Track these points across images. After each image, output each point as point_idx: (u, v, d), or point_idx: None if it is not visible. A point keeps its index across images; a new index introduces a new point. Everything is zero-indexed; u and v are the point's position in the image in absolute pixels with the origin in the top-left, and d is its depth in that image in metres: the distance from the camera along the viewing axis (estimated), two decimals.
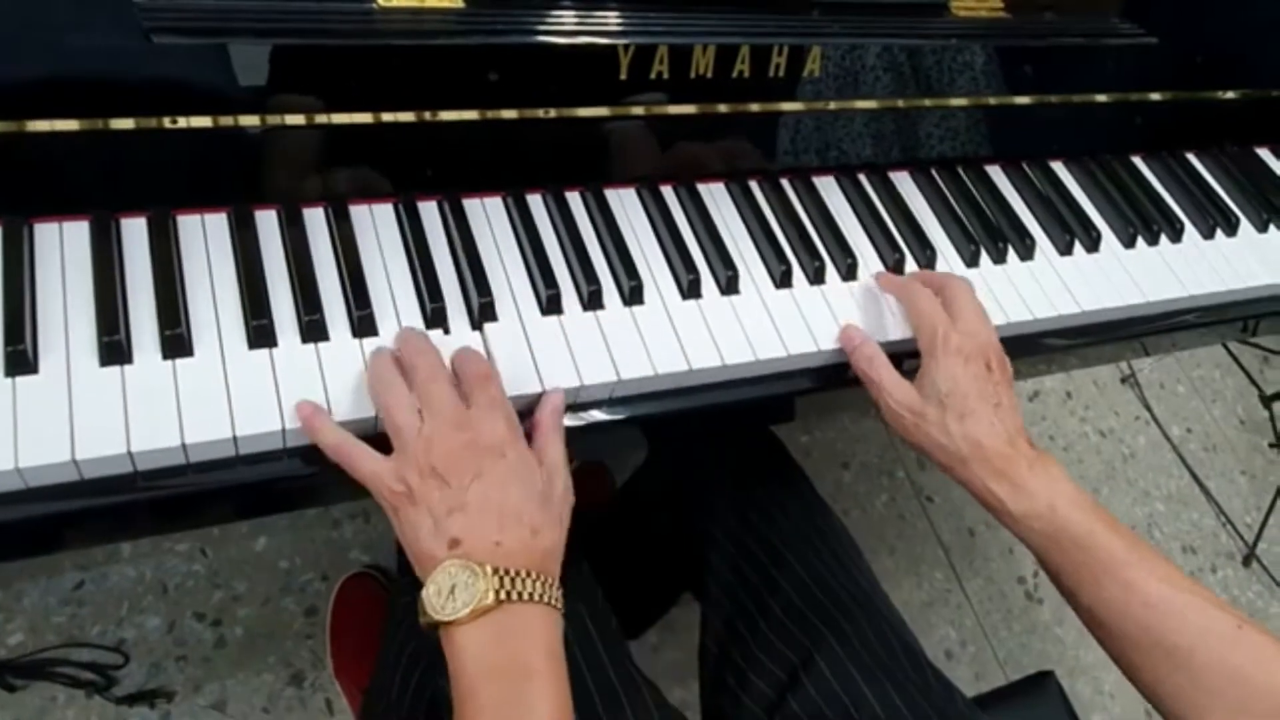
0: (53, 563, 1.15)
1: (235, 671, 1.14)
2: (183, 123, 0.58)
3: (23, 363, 0.52)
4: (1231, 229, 0.88)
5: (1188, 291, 0.81)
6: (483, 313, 0.62)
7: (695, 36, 0.68)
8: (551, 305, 0.64)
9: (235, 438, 0.53)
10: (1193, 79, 0.91)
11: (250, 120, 0.59)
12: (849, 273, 0.73)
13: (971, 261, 0.77)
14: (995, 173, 0.85)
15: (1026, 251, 0.79)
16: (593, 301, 0.65)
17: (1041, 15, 0.83)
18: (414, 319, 0.61)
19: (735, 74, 0.70)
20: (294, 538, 1.24)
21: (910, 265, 0.76)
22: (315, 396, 0.56)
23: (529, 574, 0.51)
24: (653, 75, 0.68)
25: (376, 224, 0.65)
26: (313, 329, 0.58)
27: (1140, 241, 0.84)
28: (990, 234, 0.79)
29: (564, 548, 0.55)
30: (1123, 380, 1.84)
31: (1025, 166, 0.87)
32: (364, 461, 0.53)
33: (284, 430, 0.54)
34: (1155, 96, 0.90)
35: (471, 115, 0.65)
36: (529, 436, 0.56)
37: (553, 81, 0.66)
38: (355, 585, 1.20)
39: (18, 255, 0.56)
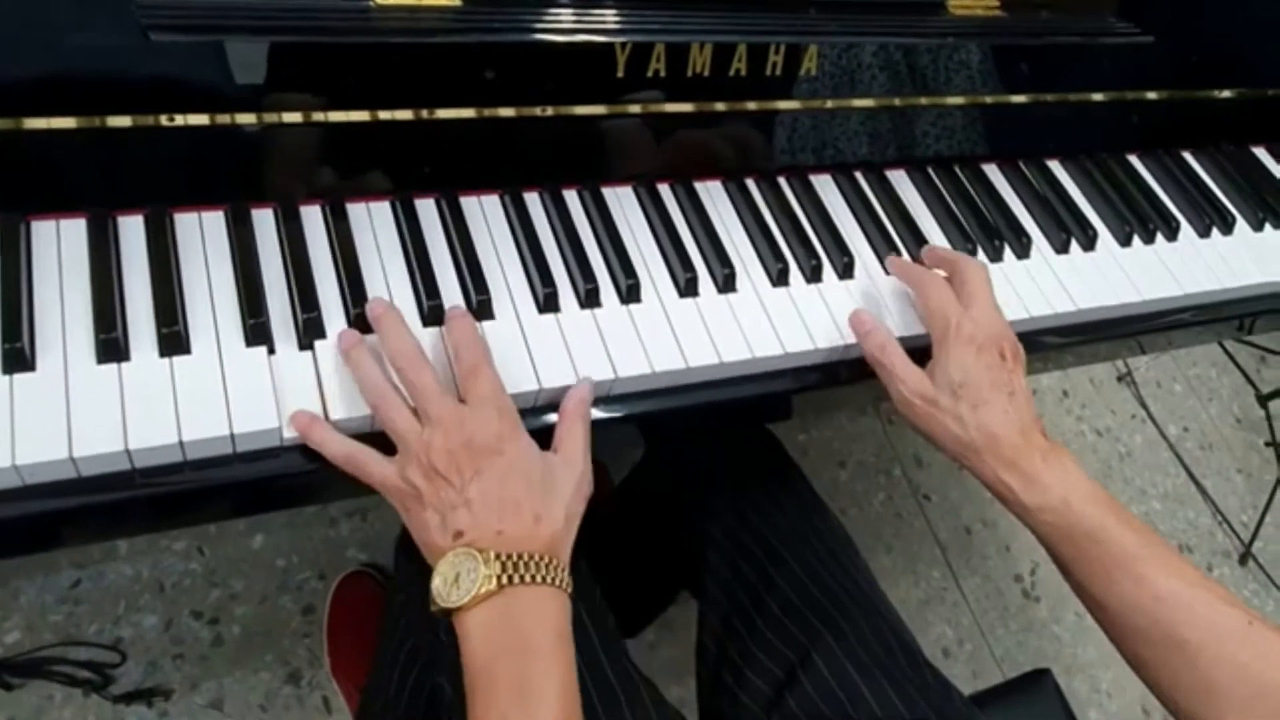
0: (50, 561, 1.15)
1: (232, 670, 1.14)
2: (180, 120, 0.58)
3: (20, 360, 0.52)
4: (1227, 228, 0.88)
5: (1184, 290, 0.81)
6: (480, 310, 0.62)
7: (692, 35, 0.68)
8: (549, 303, 0.64)
9: (232, 435, 0.53)
10: (1189, 78, 0.92)
11: (247, 118, 0.60)
12: (846, 271, 0.73)
13: None
14: (992, 171, 0.85)
15: (1023, 250, 0.79)
16: (590, 300, 0.65)
17: (1038, 14, 0.83)
18: (411, 316, 0.61)
19: (732, 72, 0.71)
20: (291, 536, 1.24)
21: None
22: (312, 395, 0.56)
23: (532, 558, 0.52)
24: (650, 73, 0.68)
25: (374, 222, 0.65)
26: (310, 327, 0.58)
27: (1136, 240, 0.84)
28: (987, 232, 0.79)
29: (575, 533, 0.57)
30: (1119, 379, 1.84)
31: (1022, 165, 0.87)
32: (372, 467, 0.55)
33: (281, 428, 0.54)
34: (1151, 95, 0.90)
35: (469, 113, 0.65)
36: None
37: (550, 80, 0.66)
38: (352, 584, 1.20)
39: (15, 253, 0.56)
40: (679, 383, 0.65)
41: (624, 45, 0.66)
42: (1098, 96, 0.87)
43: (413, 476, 0.53)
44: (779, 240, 0.73)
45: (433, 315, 0.61)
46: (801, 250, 0.73)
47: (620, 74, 0.67)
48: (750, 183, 0.76)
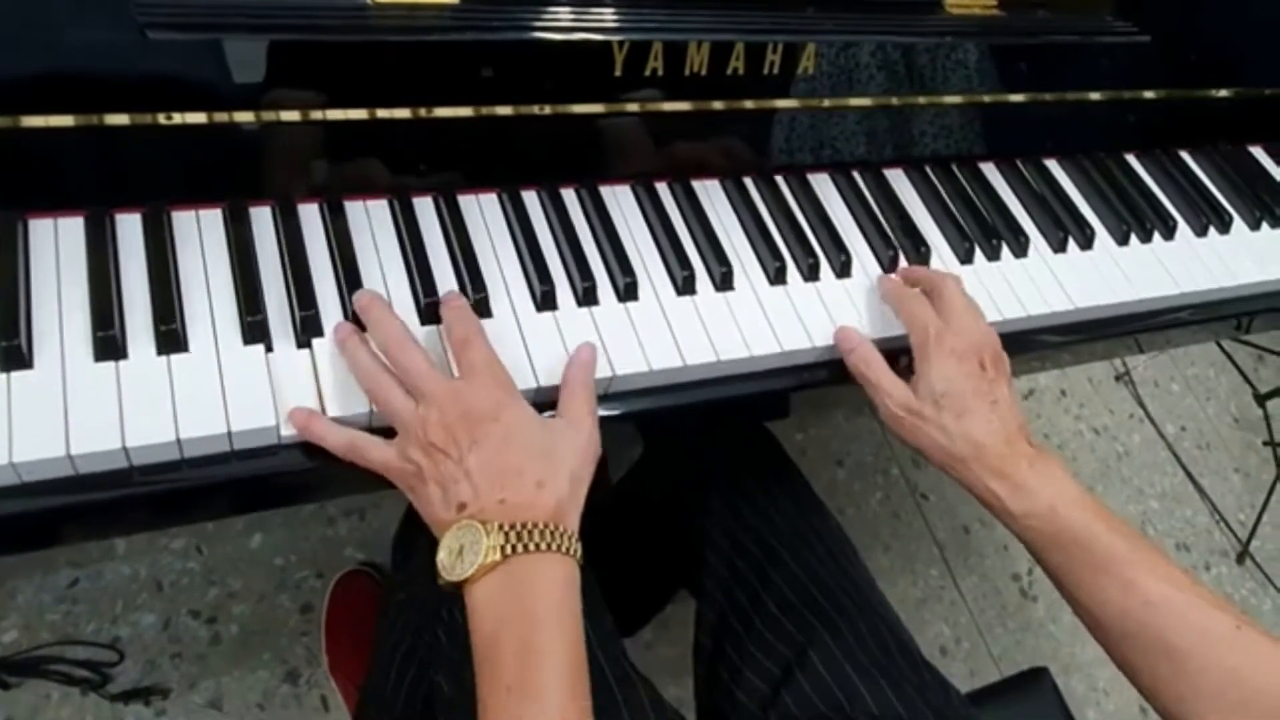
0: (47, 560, 1.15)
1: (230, 669, 1.14)
2: (178, 118, 0.58)
3: (17, 358, 0.52)
4: (1225, 227, 0.88)
5: (1181, 289, 0.81)
6: (477, 308, 0.62)
7: (690, 33, 0.68)
8: (546, 301, 0.64)
9: (230, 433, 0.53)
10: (1186, 77, 0.92)
11: (245, 116, 0.60)
12: (843, 270, 0.73)
13: (966, 259, 0.77)
14: (990, 170, 0.86)
15: (1021, 249, 0.79)
16: (587, 298, 0.65)
17: (1035, 13, 0.83)
18: (409, 314, 0.61)
19: (730, 71, 0.71)
20: (289, 535, 1.24)
21: (904, 263, 0.76)
22: (310, 392, 0.56)
23: (536, 525, 0.52)
24: (647, 72, 0.68)
25: (371, 220, 0.65)
26: (307, 324, 0.58)
27: (1134, 239, 0.84)
28: (984, 231, 0.79)
29: (583, 497, 0.57)
30: (1117, 378, 1.84)
31: (1019, 164, 0.87)
32: (372, 451, 0.55)
33: (279, 425, 0.55)
34: (1149, 95, 0.90)
35: (466, 112, 0.65)
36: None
37: (547, 78, 0.66)
38: (350, 582, 1.20)
39: (12, 250, 0.56)
40: (676, 381, 0.65)
41: (621, 44, 0.66)
42: (1095, 96, 0.87)
43: (412, 454, 0.54)
44: (776, 239, 0.73)
45: (430, 313, 0.62)
46: (799, 249, 0.73)
47: (618, 73, 0.67)
48: (748, 181, 0.76)
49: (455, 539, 0.52)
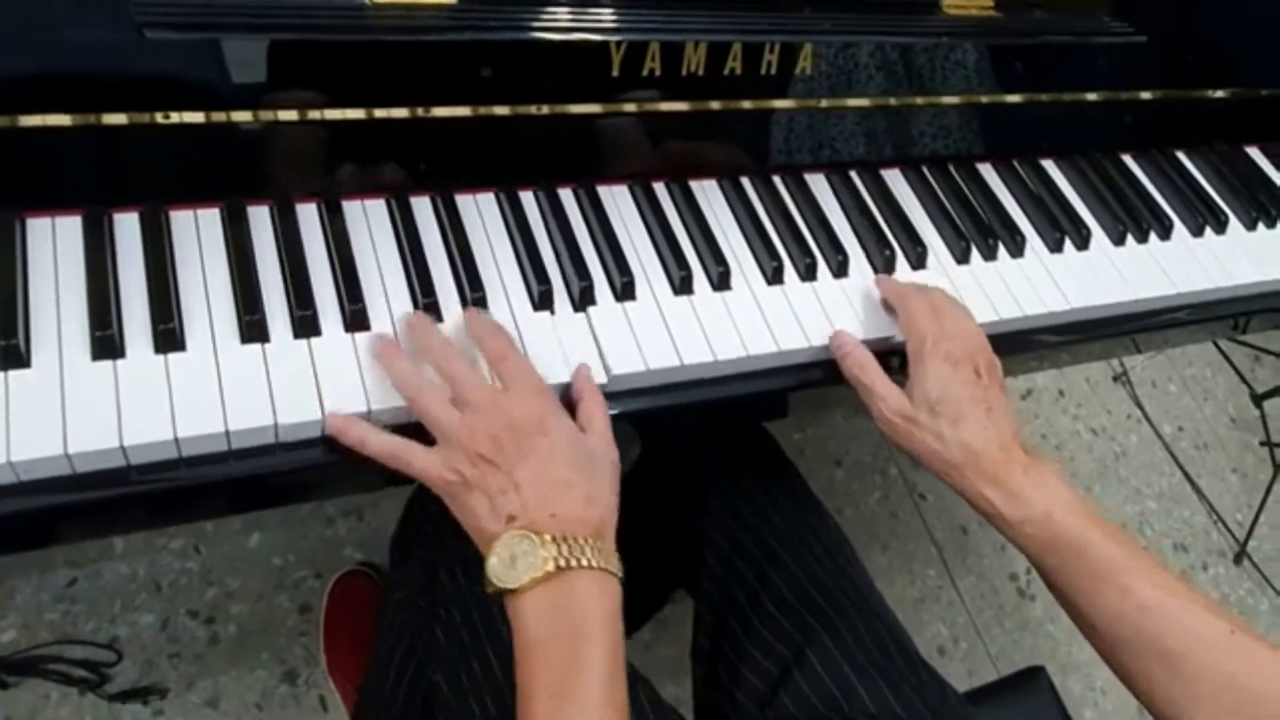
0: (45, 560, 1.15)
1: (229, 669, 1.14)
2: (175, 118, 0.58)
3: (15, 357, 0.52)
4: (1221, 227, 0.88)
5: (1177, 289, 0.82)
6: (476, 308, 0.62)
7: (687, 34, 0.68)
8: (544, 301, 0.64)
9: (228, 432, 0.53)
10: (1183, 78, 0.92)
11: (243, 116, 0.60)
12: (840, 269, 0.73)
13: (962, 259, 0.78)
14: (986, 170, 0.86)
15: (1017, 249, 0.80)
16: (585, 297, 0.65)
17: (1032, 14, 0.83)
18: (407, 314, 0.61)
19: (727, 71, 0.71)
20: (288, 535, 1.24)
21: (901, 262, 0.76)
22: (308, 391, 0.56)
23: (586, 541, 0.53)
24: (645, 72, 0.68)
25: (369, 219, 0.65)
26: (305, 324, 0.58)
27: (1130, 239, 0.84)
28: (981, 231, 0.79)
29: (616, 514, 0.57)
30: (1114, 379, 1.84)
31: (1016, 164, 0.87)
32: (416, 458, 0.55)
33: (276, 425, 0.55)
34: (1145, 95, 0.90)
35: (464, 111, 0.65)
36: (571, 408, 0.59)
37: (545, 78, 0.66)
38: (349, 582, 1.20)
39: (10, 249, 0.56)
40: (674, 380, 0.65)
41: (619, 44, 0.66)
42: (1092, 96, 0.88)
43: (457, 464, 0.54)
44: (774, 239, 0.73)
45: (429, 313, 0.61)
46: (796, 249, 0.73)
47: (615, 73, 0.67)
48: (745, 181, 0.76)
49: (508, 548, 0.52)
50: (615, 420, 0.64)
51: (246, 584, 1.20)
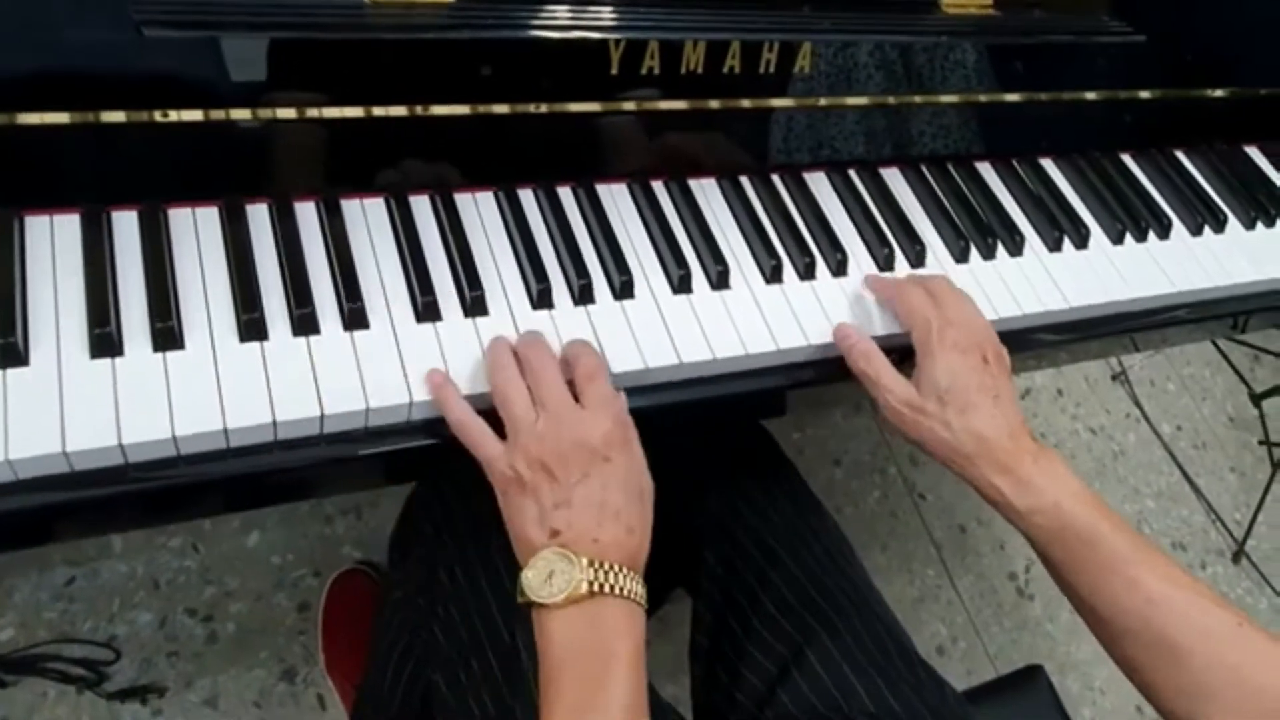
0: (44, 558, 1.15)
1: (227, 667, 1.14)
2: (174, 116, 0.58)
3: (13, 355, 0.52)
4: (1219, 226, 0.88)
5: (1176, 288, 0.82)
6: (474, 306, 0.63)
7: (686, 32, 0.68)
8: (542, 299, 0.64)
9: (226, 430, 0.53)
10: (1182, 77, 0.92)
11: (241, 114, 0.60)
12: (839, 268, 0.73)
13: (961, 257, 0.78)
14: (985, 170, 0.86)
15: (1016, 248, 0.80)
16: (583, 296, 0.65)
17: (1031, 13, 0.83)
18: (405, 313, 0.61)
19: (726, 70, 0.71)
20: (286, 533, 1.24)
21: (900, 260, 0.76)
22: (306, 389, 0.56)
23: (622, 569, 0.54)
24: (644, 71, 0.68)
25: (368, 218, 0.65)
26: (304, 322, 0.58)
27: (1129, 238, 0.84)
28: (980, 230, 0.79)
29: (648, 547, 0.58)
30: (1113, 378, 1.85)
31: (1015, 164, 0.87)
32: (483, 443, 0.56)
33: (274, 423, 0.55)
34: (1144, 94, 0.90)
35: (463, 110, 0.65)
36: None
37: (544, 77, 0.66)
38: (347, 581, 1.20)
39: (8, 247, 0.56)
40: (672, 379, 0.65)
41: (618, 42, 0.66)
42: (1091, 95, 0.88)
43: (519, 465, 0.55)
44: (773, 238, 0.73)
45: (427, 312, 0.62)
46: (795, 247, 0.73)
47: (614, 71, 0.67)
48: (744, 180, 0.76)
49: (547, 563, 0.53)
50: None
51: (245, 583, 1.20)
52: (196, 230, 0.61)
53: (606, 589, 0.53)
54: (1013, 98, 0.84)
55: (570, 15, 0.66)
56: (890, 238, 0.76)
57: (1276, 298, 0.88)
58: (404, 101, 0.63)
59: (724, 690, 0.77)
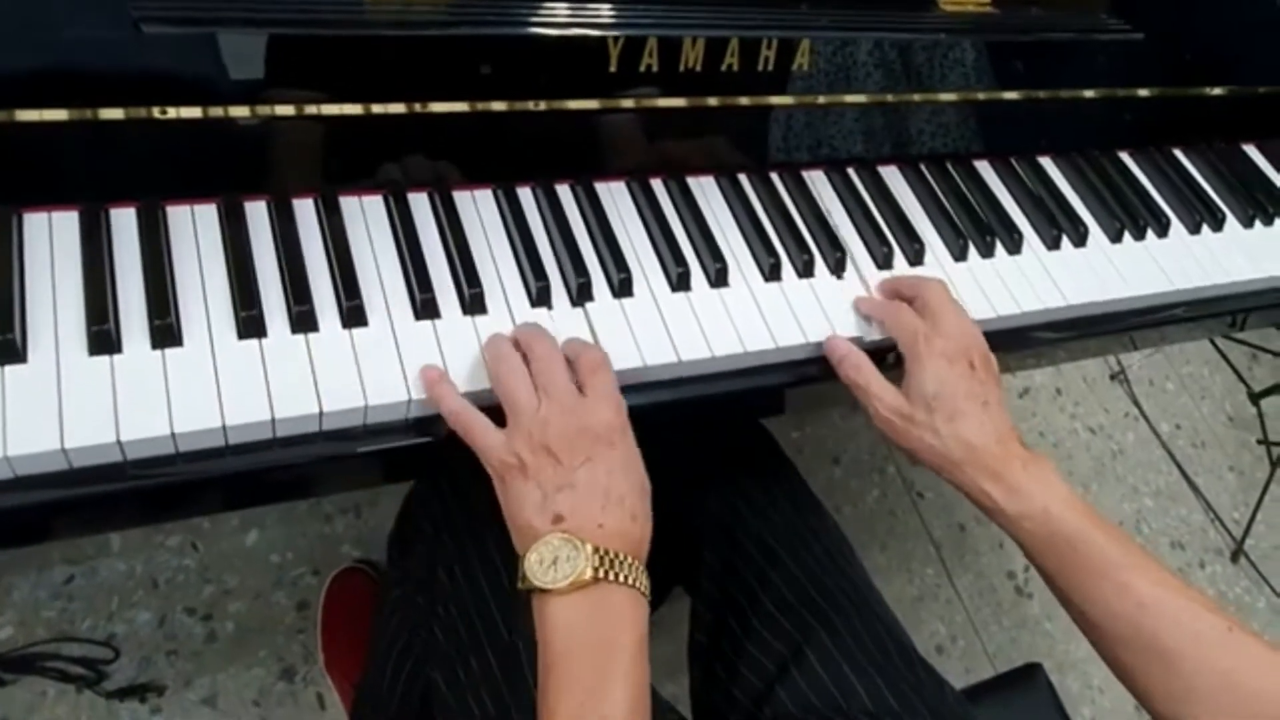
0: (42, 557, 1.15)
1: (226, 666, 1.14)
2: (172, 113, 0.58)
3: (11, 352, 0.52)
4: (1218, 224, 0.89)
5: (1174, 286, 0.82)
6: (472, 304, 0.63)
7: (685, 29, 0.68)
8: (541, 297, 0.64)
9: (225, 427, 0.53)
10: (1180, 76, 0.92)
11: (240, 111, 0.60)
12: (837, 267, 0.73)
13: (959, 255, 0.78)
14: (984, 168, 0.86)
15: (1014, 246, 0.80)
16: (582, 294, 0.65)
17: (1029, 11, 0.83)
18: (404, 310, 0.61)
19: (725, 67, 0.71)
20: (285, 532, 1.24)
21: (899, 259, 0.76)
22: (305, 387, 0.56)
23: (625, 557, 0.54)
24: (642, 68, 0.68)
25: (367, 216, 0.65)
26: (302, 319, 0.58)
27: (1128, 236, 0.84)
28: (978, 228, 0.79)
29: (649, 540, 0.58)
30: (1112, 377, 1.85)
31: (1014, 162, 0.87)
32: (481, 432, 0.56)
33: (273, 420, 0.55)
34: (1143, 93, 0.90)
35: (461, 107, 0.65)
36: None
37: (542, 74, 0.66)
38: (346, 580, 1.20)
39: (7, 245, 0.56)
40: (671, 376, 0.65)
41: (616, 40, 0.66)
42: (1089, 94, 0.88)
43: (520, 449, 0.55)
44: (771, 236, 0.73)
45: (425, 309, 0.62)
46: (794, 246, 0.73)
47: (613, 69, 0.67)
48: (743, 178, 0.76)
49: (551, 549, 0.53)
50: None
51: (244, 581, 1.20)
52: (195, 227, 0.61)
53: (611, 576, 0.53)
54: (1011, 96, 0.84)
55: (569, 12, 0.66)
56: (889, 236, 0.77)
57: (1274, 296, 0.88)
58: (403, 99, 0.63)
59: (723, 689, 0.77)
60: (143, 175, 0.60)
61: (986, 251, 0.78)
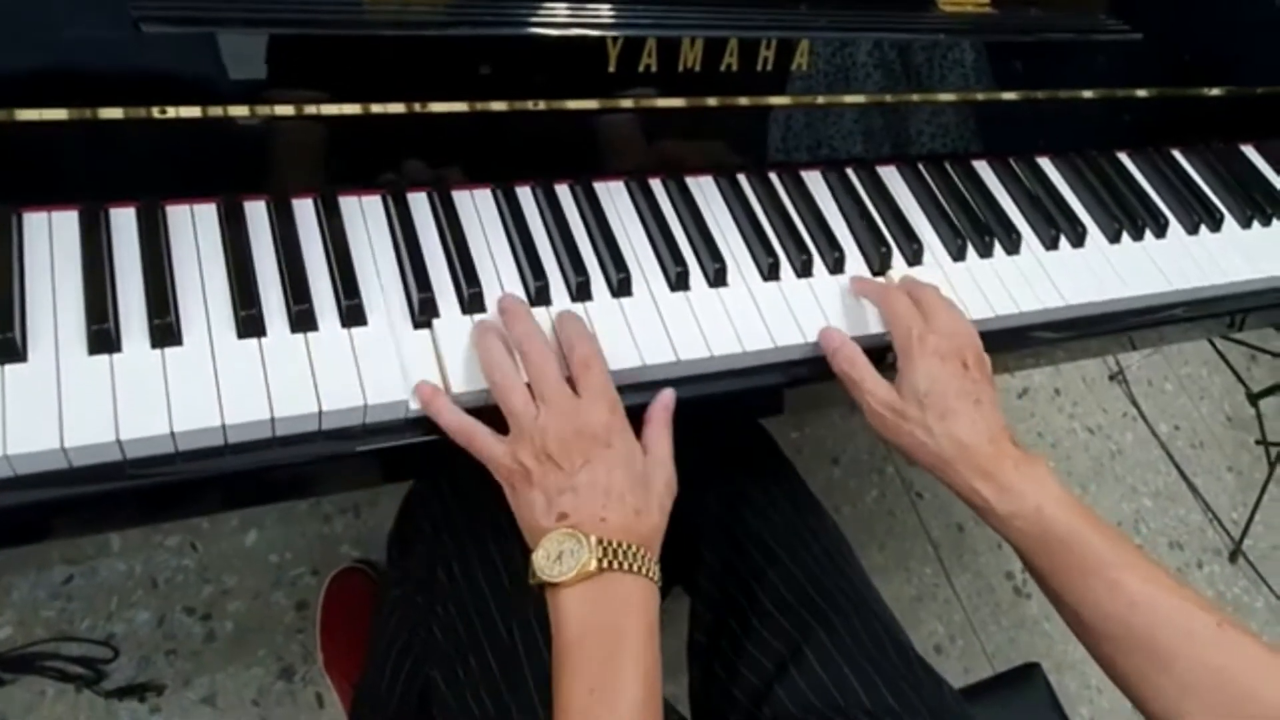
0: (42, 557, 1.15)
1: (225, 665, 1.14)
2: (172, 112, 0.58)
3: (11, 351, 0.52)
4: (1216, 225, 0.89)
5: (1173, 286, 0.82)
6: (471, 304, 0.63)
7: (684, 29, 0.68)
8: (540, 297, 0.65)
9: (224, 426, 0.53)
10: (1179, 76, 0.92)
11: (239, 110, 0.60)
12: (836, 266, 0.73)
13: (958, 255, 0.78)
14: (983, 168, 0.86)
15: (1013, 246, 0.80)
16: (581, 293, 0.66)
17: (1028, 11, 0.83)
18: (402, 310, 0.62)
19: (724, 67, 0.71)
20: (284, 532, 1.24)
21: (897, 258, 0.76)
22: (304, 386, 0.56)
23: (630, 547, 0.55)
24: (641, 68, 0.68)
25: (366, 215, 0.65)
26: (302, 319, 0.58)
27: (1126, 237, 0.85)
28: (977, 228, 0.79)
29: (664, 529, 0.59)
30: (1111, 378, 1.85)
31: (1012, 162, 0.87)
32: (483, 443, 0.58)
33: (272, 419, 0.55)
34: (1141, 93, 0.90)
35: (461, 107, 0.65)
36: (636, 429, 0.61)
37: (541, 74, 0.66)
38: (345, 579, 1.20)
39: (7, 244, 0.56)
40: (670, 376, 0.65)
41: (615, 40, 0.67)
42: (1088, 94, 0.88)
43: (523, 457, 0.56)
44: (770, 235, 0.73)
45: (425, 309, 0.62)
46: (793, 245, 0.73)
47: (612, 69, 0.67)
48: (742, 178, 0.77)
49: (556, 544, 0.55)
50: None
51: (243, 581, 1.20)
52: (195, 227, 0.61)
53: (616, 565, 0.54)
54: (1010, 96, 0.84)
55: (568, 12, 0.66)
56: (888, 236, 0.77)
57: (1273, 296, 0.88)
58: (402, 99, 0.63)
59: (722, 688, 0.77)
60: (142, 175, 0.60)
61: (985, 252, 0.79)
